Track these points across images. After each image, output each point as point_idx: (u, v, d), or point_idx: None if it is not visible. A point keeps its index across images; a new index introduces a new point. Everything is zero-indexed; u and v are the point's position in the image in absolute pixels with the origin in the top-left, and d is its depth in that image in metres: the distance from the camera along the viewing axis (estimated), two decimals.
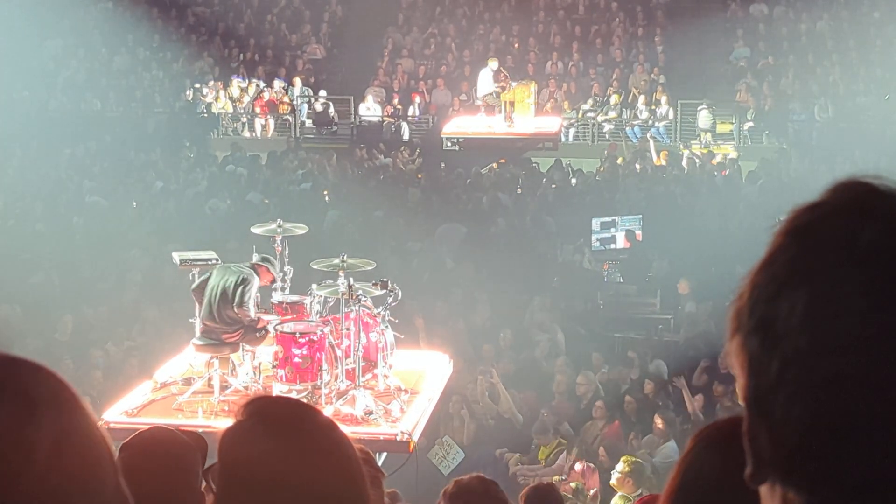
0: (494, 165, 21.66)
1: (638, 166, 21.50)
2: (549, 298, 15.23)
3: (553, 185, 20.07)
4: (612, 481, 9.60)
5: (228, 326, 10.47)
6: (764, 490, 1.04)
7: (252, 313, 10.51)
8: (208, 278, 10.61)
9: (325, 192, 19.77)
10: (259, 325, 10.61)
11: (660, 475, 9.58)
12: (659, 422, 11.29)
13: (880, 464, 0.94)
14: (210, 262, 11.10)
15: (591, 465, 10.70)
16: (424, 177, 20.72)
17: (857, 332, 0.94)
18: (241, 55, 27.53)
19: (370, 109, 25.43)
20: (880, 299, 0.95)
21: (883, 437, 0.94)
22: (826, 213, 1.00)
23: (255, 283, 10.50)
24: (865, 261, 0.96)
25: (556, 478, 10.53)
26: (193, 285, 10.82)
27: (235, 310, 10.39)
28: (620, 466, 9.58)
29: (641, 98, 24.64)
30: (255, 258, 10.77)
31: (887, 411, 0.94)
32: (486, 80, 23.47)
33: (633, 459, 9.76)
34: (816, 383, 0.96)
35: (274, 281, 10.95)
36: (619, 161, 21.99)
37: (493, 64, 23.77)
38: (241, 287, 10.38)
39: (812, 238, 0.99)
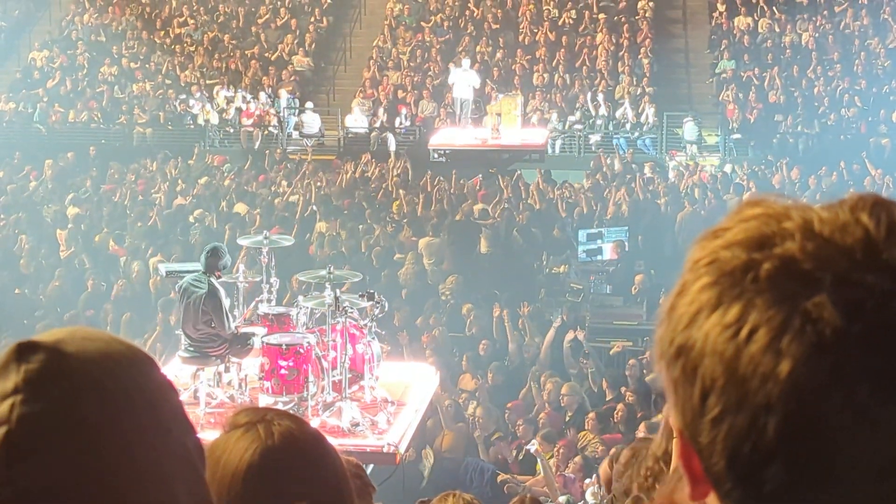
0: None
1: (627, 177, 21.55)
2: (533, 309, 15.26)
3: (539, 197, 20.09)
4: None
5: (211, 342, 10.48)
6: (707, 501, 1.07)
7: (228, 326, 10.49)
8: (182, 294, 10.62)
9: (312, 204, 19.75)
10: (241, 335, 10.60)
11: None
12: (641, 432, 11.28)
13: (803, 484, 0.98)
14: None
15: (571, 475, 10.73)
16: (411, 188, 20.71)
17: (765, 361, 0.97)
18: (228, 66, 27.50)
19: (357, 121, 25.44)
20: (782, 329, 0.98)
21: (802, 459, 0.98)
22: (729, 243, 1.04)
23: (221, 294, 10.47)
24: (767, 291, 0.99)
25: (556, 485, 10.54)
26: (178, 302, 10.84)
27: (213, 327, 10.39)
28: (594, 488, 9.58)
29: (628, 110, 24.69)
30: (202, 261, 10.64)
31: (803, 434, 0.97)
32: (460, 79, 23.46)
33: None
34: (734, 409, 0.99)
35: (224, 266, 10.86)
36: (606, 173, 22.03)
37: (466, 62, 23.82)
38: (210, 304, 10.36)
39: (718, 267, 1.03)
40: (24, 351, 1.10)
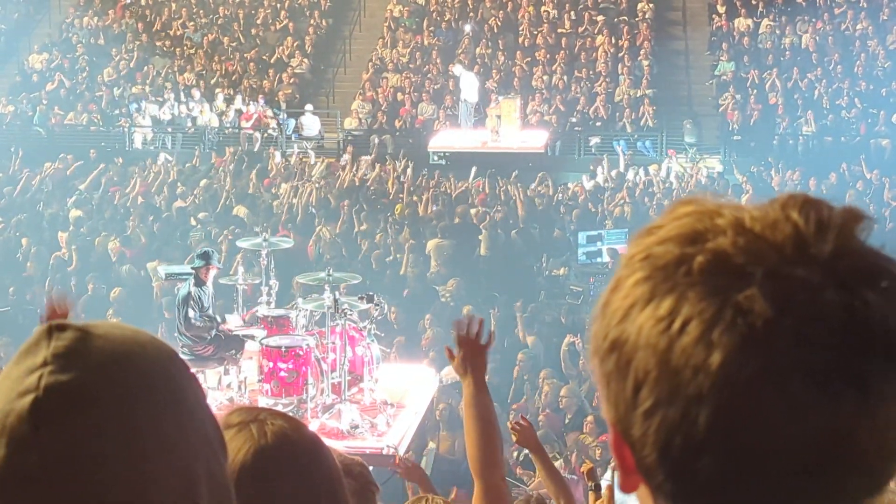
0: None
1: (629, 179, 21.54)
2: (533, 310, 15.25)
3: (539, 199, 20.08)
4: (604, 490, 9.57)
5: (198, 342, 10.54)
6: (639, 493, 1.09)
7: (206, 327, 10.57)
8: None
9: (312, 207, 19.74)
10: (231, 338, 10.63)
11: None
12: None
13: (733, 477, 0.99)
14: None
15: (574, 476, 10.70)
16: (410, 190, 20.70)
17: (697, 353, 0.98)
18: (227, 69, 27.49)
19: (355, 123, 25.41)
20: (714, 321, 0.98)
21: (733, 451, 0.98)
22: (662, 239, 1.05)
23: (192, 296, 10.59)
24: (699, 284, 1.00)
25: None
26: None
27: (192, 326, 10.47)
28: (610, 474, 9.56)
29: (627, 112, 24.69)
30: (196, 262, 10.84)
31: (734, 426, 0.98)
32: (468, 81, 23.50)
33: None
34: (666, 402, 1.00)
35: (218, 270, 11.04)
36: (606, 175, 22.03)
37: (458, 68, 23.88)
38: (184, 306, 10.52)
39: (652, 262, 1.04)
40: (54, 329, 1.16)
